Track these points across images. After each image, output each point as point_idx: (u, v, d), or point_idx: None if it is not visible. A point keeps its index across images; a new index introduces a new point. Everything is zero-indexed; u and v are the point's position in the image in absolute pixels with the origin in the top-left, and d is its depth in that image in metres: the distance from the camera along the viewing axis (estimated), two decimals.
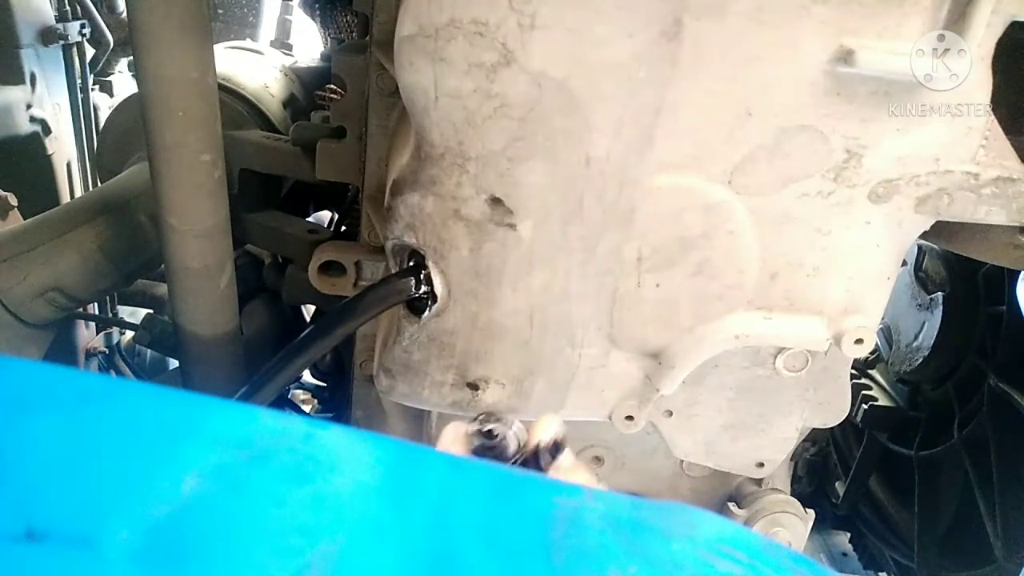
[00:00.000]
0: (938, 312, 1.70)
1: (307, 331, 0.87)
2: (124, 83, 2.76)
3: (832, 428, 1.43)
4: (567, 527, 0.40)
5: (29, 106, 2.05)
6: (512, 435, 0.64)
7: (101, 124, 2.06)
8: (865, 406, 1.88)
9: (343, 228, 1.51)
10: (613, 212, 0.79)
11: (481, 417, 0.66)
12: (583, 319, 0.86)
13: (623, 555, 0.39)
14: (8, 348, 1.23)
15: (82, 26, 2.29)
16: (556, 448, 0.61)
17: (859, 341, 0.87)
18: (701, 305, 0.86)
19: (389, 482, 0.40)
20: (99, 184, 1.59)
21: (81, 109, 2.37)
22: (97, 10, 2.38)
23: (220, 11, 3.48)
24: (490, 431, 0.63)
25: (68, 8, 2.27)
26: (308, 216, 1.77)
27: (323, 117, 1.64)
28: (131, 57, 1.59)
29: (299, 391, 2.52)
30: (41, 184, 2.13)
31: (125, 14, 2.44)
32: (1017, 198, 0.80)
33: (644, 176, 0.78)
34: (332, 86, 1.84)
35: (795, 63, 0.73)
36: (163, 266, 1.09)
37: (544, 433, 0.61)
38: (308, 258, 1.17)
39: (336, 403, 2.05)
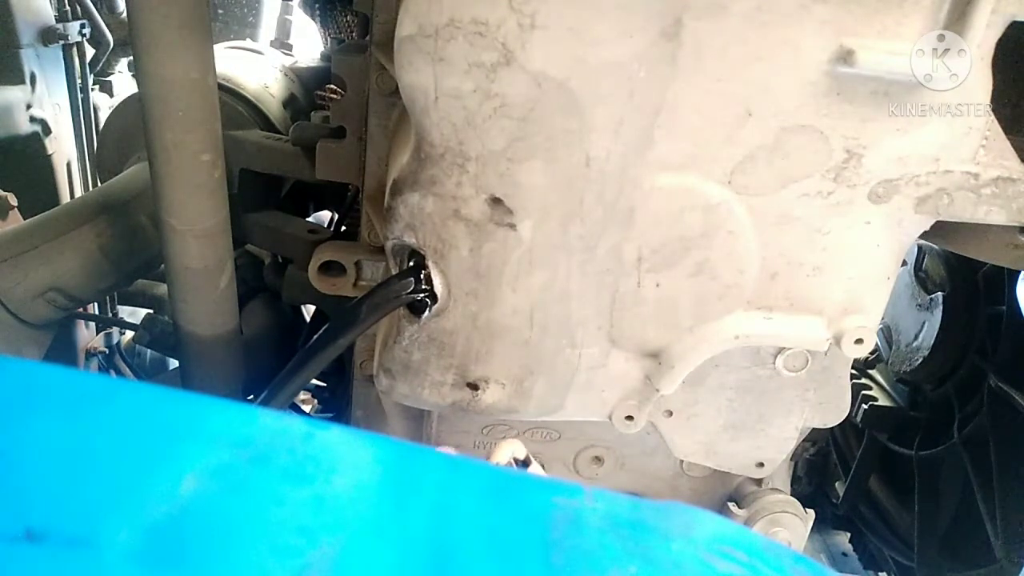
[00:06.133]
0: (938, 312, 1.70)
1: (310, 343, 0.87)
2: (124, 83, 2.76)
3: (832, 428, 1.43)
4: (567, 527, 0.40)
5: (29, 106, 2.05)
6: None
7: (101, 124, 2.06)
8: (865, 406, 1.87)
9: (343, 228, 1.51)
10: (613, 212, 0.79)
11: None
12: (583, 319, 0.86)
13: (623, 555, 0.39)
14: (8, 348, 1.23)
15: (82, 26, 2.29)
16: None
17: (859, 341, 0.87)
18: (701, 305, 0.86)
19: (389, 482, 0.40)
20: (99, 184, 1.59)
21: (81, 109, 2.37)
22: (97, 10, 2.38)
23: (220, 11, 3.48)
24: None
25: (68, 8, 2.27)
26: (308, 216, 1.77)
27: (323, 117, 1.64)
28: (131, 57, 1.59)
29: None
30: (41, 184, 2.13)
31: (125, 14, 2.44)
32: (1017, 198, 0.80)
33: (644, 176, 0.78)
34: (332, 86, 1.84)
35: (795, 63, 0.73)
36: (163, 266, 1.09)
37: (500, 457, 0.61)
38: (308, 258, 1.17)
39: (336, 403, 2.05)
